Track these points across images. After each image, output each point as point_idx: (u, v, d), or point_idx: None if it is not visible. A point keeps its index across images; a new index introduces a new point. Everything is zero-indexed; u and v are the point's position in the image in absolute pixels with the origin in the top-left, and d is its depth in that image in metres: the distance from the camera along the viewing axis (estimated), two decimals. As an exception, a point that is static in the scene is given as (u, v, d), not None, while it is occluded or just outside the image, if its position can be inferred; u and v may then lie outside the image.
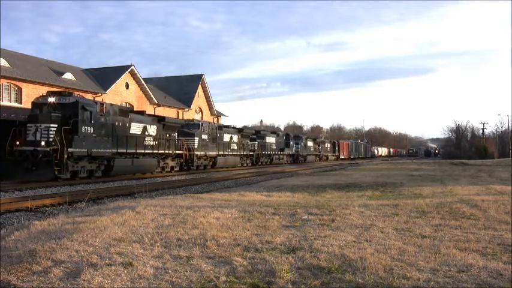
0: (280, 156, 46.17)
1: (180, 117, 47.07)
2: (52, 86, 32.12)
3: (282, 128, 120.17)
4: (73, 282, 4.07)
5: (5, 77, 30.42)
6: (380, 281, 4.08)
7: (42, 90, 28.36)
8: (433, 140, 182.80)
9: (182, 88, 53.33)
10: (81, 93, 36.23)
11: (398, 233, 6.47)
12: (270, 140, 43.68)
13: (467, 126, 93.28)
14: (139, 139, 22.23)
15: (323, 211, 8.68)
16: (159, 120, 25.24)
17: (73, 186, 16.58)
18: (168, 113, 46.36)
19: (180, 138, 27.23)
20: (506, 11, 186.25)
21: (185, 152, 27.54)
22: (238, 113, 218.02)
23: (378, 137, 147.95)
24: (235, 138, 35.19)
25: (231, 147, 34.30)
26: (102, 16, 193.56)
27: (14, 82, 31.17)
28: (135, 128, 22.26)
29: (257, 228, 6.77)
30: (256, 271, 4.41)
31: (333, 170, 33.67)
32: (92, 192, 12.72)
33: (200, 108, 56.72)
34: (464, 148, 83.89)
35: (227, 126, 37.09)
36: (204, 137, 29.73)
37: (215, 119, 58.65)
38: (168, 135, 25.48)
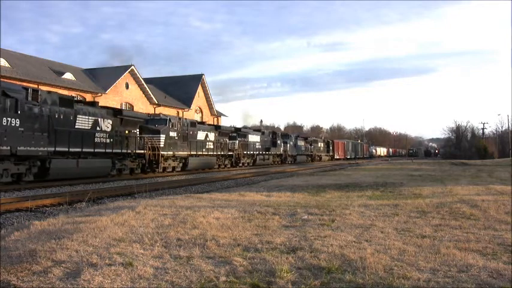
0: (265, 156, 42.03)
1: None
2: (52, 86, 32.15)
3: (282, 128, 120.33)
4: (73, 282, 4.07)
5: (5, 77, 30.38)
6: (380, 281, 4.08)
7: (42, 90, 28.24)
8: (433, 140, 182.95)
9: (182, 88, 53.38)
10: (81, 93, 36.43)
11: (398, 233, 6.47)
12: (254, 138, 39.66)
13: (467, 126, 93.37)
14: (87, 135, 18.67)
15: (323, 211, 8.68)
16: (115, 113, 21.36)
17: (73, 186, 16.58)
18: (168, 112, 46.37)
19: (143, 135, 23.59)
20: (506, 11, 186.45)
21: (148, 152, 23.60)
22: (239, 113, 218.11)
23: (377, 136, 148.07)
24: (211, 136, 31.34)
25: (207, 147, 30.48)
26: (103, 16, 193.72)
27: (14, 82, 31.14)
28: (82, 122, 18.60)
29: (257, 228, 6.76)
30: (256, 271, 4.40)
31: (333, 170, 33.70)
32: (92, 192, 12.72)
33: (200, 108, 56.76)
34: (464, 148, 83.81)
35: (202, 123, 33.66)
36: (173, 134, 25.90)
37: (215, 119, 58.70)
38: (127, 132, 21.82)
